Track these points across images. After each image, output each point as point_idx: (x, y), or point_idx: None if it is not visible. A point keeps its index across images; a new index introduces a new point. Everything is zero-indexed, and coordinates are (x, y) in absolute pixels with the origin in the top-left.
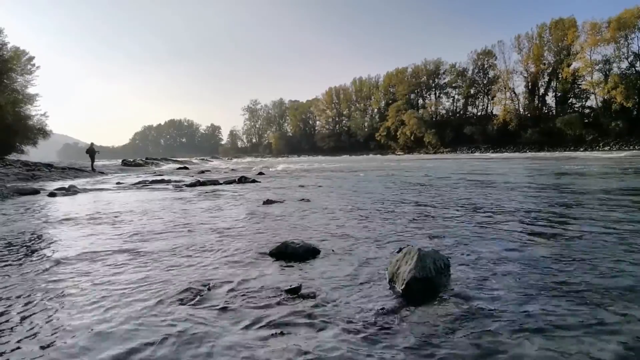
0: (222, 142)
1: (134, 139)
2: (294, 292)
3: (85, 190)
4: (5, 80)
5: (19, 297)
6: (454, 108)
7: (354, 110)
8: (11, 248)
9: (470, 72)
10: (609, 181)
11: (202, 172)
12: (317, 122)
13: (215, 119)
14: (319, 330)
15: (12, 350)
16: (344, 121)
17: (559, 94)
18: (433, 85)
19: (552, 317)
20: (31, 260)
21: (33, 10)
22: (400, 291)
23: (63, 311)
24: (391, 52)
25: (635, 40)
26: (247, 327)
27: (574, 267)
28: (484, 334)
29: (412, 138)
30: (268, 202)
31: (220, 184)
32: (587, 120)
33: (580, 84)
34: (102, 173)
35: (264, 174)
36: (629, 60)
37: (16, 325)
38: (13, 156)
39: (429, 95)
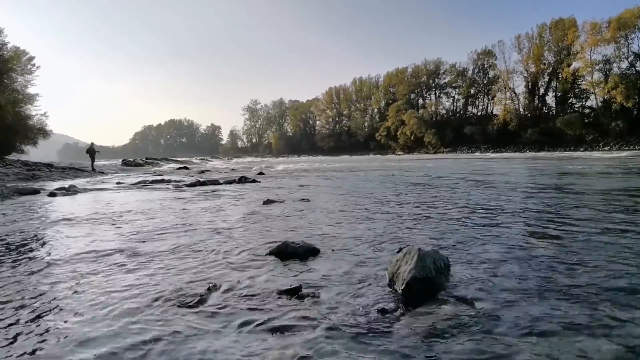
0: (222, 142)
1: (134, 138)
2: (294, 292)
3: (85, 190)
4: (5, 80)
5: (17, 297)
6: (454, 108)
7: (354, 110)
8: (11, 248)
9: (470, 72)
10: (612, 181)
11: (202, 172)
12: (317, 122)
13: (215, 119)
14: (318, 330)
15: (5, 346)
16: (344, 121)
17: (559, 94)
18: (433, 85)
19: (552, 318)
20: (31, 260)
21: (33, 10)
22: (400, 291)
23: (62, 311)
24: (391, 52)
25: (636, 40)
26: (247, 327)
27: (574, 267)
28: (484, 334)
29: (412, 138)
30: (268, 202)
31: (221, 184)
32: (587, 120)
33: (580, 84)
34: (102, 173)
35: (264, 173)
36: (629, 60)
37: (12, 325)
38: (13, 156)
39: (429, 95)
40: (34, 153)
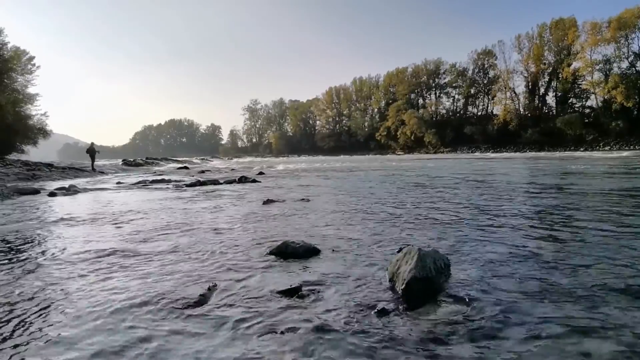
0: (223, 142)
1: (134, 138)
2: (294, 292)
3: (85, 190)
4: (5, 80)
5: (14, 296)
6: (454, 108)
7: (354, 110)
8: (10, 248)
9: (470, 72)
10: (616, 181)
11: (203, 171)
12: (317, 122)
13: (215, 118)
14: (318, 330)
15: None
16: (344, 121)
17: (559, 93)
18: (433, 85)
19: (553, 318)
20: (30, 260)
21: (33, 10)
22: (400, 291)
23: (60, 311)
24: (391, 52)
25: (636, 40)
26: (247, 327)
27: (575, 268)
28: (484, 334)
29: (412, 138)
30: (268, 201)
31: (221, 183)
32: (587, 120)
33: (580, 84)
34: (103, 173)
35: (264, 173)
36: (630, 60)
37: (6, 324)
38: (13, 156)
39: (429, 95)
40: (34, 153)
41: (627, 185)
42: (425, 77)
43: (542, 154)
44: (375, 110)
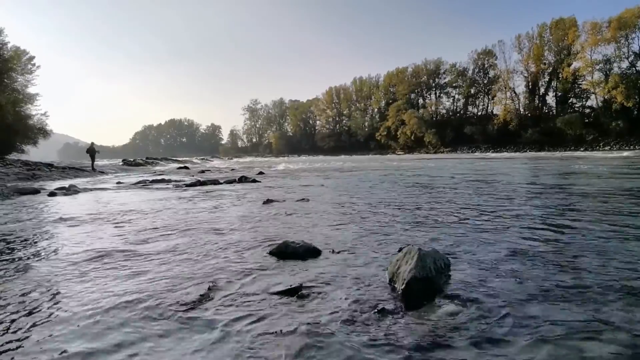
0: (223, 142)
1: (134, 138)
2: (294, 292)
3: (85, 190)
4: (5, 80)
5: (12, 296)
6: (454, 108)
7: (354, 110)
8: (10, 247)
9: (470, 72)
10: (619, 181)
11: (203, 171)
12: (318, 122)
13: (215, 118)
14: (318, 330)
15: None
16: (344, 121)
17: (560, 93)
18: (433, 85)
19: (553, 318)
20: (29, 260)
21: (33, 10)
22: (401, 291)
23: (58, 311)
24: (391, 52)
25: (636, 39)
26: (247, 327)
27: (575, 268)
28: (484, 334)
29: (412, 138)
30: (268, 201)
31: (221, 183)
32: (587, 120)
33: (580, 84)
34: (103, 173)
35: (264, 173)
36: (630, 60)
37: (3, 324)
38: (13, 156)
39: (429, 95)
40: (34, 153)
41: (628, 185)
42: (425, 77)
43: (542, 153)
44: (375, 110)
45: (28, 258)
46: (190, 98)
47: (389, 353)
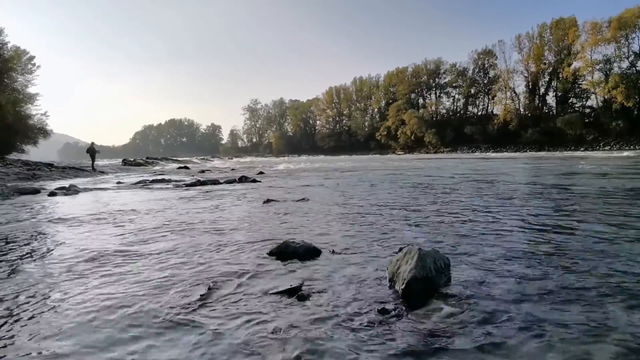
0: (223, 142)
1: (134, 138)
2: (295, 292)
3: (85, 190)
4: (5, 80)
5: (9, 296)
6: (455, 108)
7: (354, 110)
8: (9, 247)
9: (470, 72)
10: (622, 181)
11: (203, 171)
12: (318, 122)
13: (215, 118)
14: (318, 330)
15: None
16: (344, 121)
17: (560, 93)
18: (433, 84)
19: (553, 318)
20: (28, 260)
21: (33, 10)
22: (401, 291)
23: (56, 310)
24: (391, 52)
25: (636, 39)
26: (247, 327)
27: (576, 269)
28: (484, 334)
29: (412, 138)
30: (268, 201)
31: (221, 183)
32: (587, 120)
33: (580, 84)
34: (103, 172)
35: (264, 173)
36: (630, 59)
37: (1, 324)
38: (13, 155)
39: (430, 94)
40: (34, 153)
41: (631, 185)
42: (425, 76)
43: (542, 153)
44: (376, 110)
45: (28, 258)
46: (190, 98)
47: (389, 353)
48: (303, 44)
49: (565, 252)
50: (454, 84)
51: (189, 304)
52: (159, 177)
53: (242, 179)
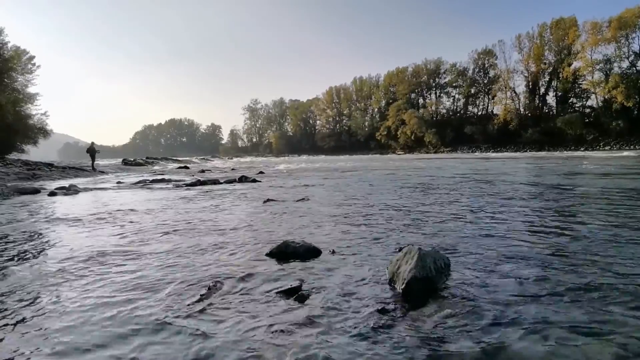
0: (223, 142)
1: (134, 138)
2: (294, 292)
3: (85, 190)
4: (5, 80)
5: (9, 296)
6: (455, 107)
7: (354, 110)
8: (9, 247)
9: (470, 72)
10: (625, 181)
11: (203, 171)
12: (318, 122)
13: (215, 118)
14: (318, 330)
15: None
16: (344, 121)
17: (560, 93)
18: (433, 84)
19: (553, 318)
20: (28, 260)
21: (33, 10)
22: (401, 291)
23: (56, 310)
24: (391, 52)
25: (636, 39)
26: (246, 327)
27: (576, 269)
28: (484, 333)
29: (412, 138)
30: (268, 201)
31: (221, 183)
32: (587, 120)
33: (580, 84)
34: (103, 172)
35: (264, 173)
36: (630, 59)
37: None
38: (13, 155)
39: (430, 94)
40: (34, 152)
41: (633, 185)
42: (425, 76)
43: (542, 153)
44: (376, 110)
45: (28, 258)
46: (190, 98)
47: (389, 353)
48: (303, 44)
49: (566, 252)
50: (454, 84)
51: (189, 304)
52: (159, 177)
53: (242, 179)
